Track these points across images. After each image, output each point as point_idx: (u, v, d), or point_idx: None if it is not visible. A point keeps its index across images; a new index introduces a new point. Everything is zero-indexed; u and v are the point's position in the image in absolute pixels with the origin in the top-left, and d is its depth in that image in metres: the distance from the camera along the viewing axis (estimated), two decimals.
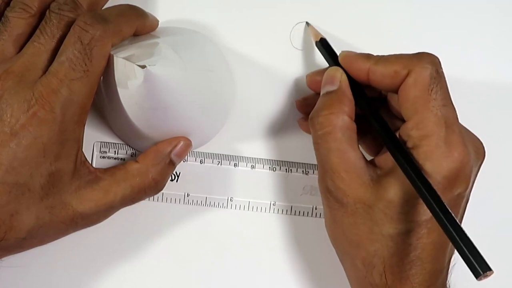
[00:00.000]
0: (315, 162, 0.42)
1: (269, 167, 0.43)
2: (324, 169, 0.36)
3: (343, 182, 0.35)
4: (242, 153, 0.42)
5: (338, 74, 0.37)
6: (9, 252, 0.36)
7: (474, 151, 0.36)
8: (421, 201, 0.33)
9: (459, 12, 0.43)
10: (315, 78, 0.40)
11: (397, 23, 0.43)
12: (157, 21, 0.40)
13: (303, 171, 0.42)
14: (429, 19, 0.43)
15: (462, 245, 0.31)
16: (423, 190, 0.32)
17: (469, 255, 0.30)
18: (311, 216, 0.42)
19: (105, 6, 0.38)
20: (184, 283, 0.42)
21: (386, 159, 0.36)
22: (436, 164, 0.34)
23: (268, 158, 0.42)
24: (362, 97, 0.37)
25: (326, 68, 0.39)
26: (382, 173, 0.36)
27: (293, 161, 0.42)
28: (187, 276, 0.42)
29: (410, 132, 0.35)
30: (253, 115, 0.42)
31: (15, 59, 0.35)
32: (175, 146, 0.39)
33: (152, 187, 0.39)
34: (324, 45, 0.40)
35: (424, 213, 0.34)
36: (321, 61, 0.42)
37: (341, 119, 0.35)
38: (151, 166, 0.39)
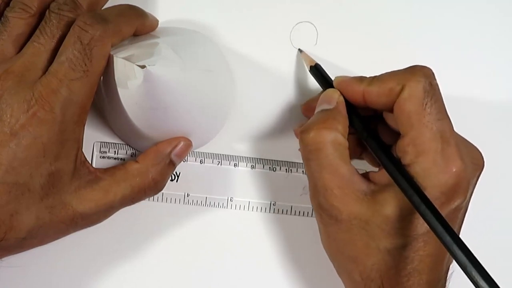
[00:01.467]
0: None
1: (269, 167, 0.43)
2: (315, 186, 0.35)
3: (337, 199, 0.35)
4: (242, 153, 0.42)
5: (336, 95, 0.37)
6: (9, 252, 0.36)
7: (472, 162, 0.36)
8: (417, 215, 0.33)
9: (459, 12, 0.43)
10: (310, 105, 0.40)
11: (397, 23, 0.43)
12: (157, 21, 0.40)
13: (303, 171, 0.42)
14: (429, 19, 0.43)
15: (471, 266, 0.30)
16: (423, 209, 0.32)
17: (475, 275, 0.30)
18: (311, 216, 0.42)
19: (105, 6, 0.38)
20: (184, 283, 0.42)
21: (381, 175, 0.35)
22: (433, 180, 0.34)
23: (268, 158, 0.42)
24: (357, 117, 0.37)
25: (321, 93, 0.38)
26: (377, 189, 0.35)
27: (293, 161, 0.43)
28: (187, 276, 0.42)
29: (406, 148, 0.34)
30: (253, 115, 0.42)
31: (15, 59, 0.35)
32: (175, 146, 0.39)
33: (152, 187, 0.39)
34: (317, 71, 0.40)
35: (421, 227, 0.34)
36: (321, 61, 0.42)
37: (333, 134, 0.35)
38: (151, 166, 0.39)
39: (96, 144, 0.42)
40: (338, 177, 0.35)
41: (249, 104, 0.42)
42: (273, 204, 0.43)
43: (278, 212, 0.42)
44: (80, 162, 0.36)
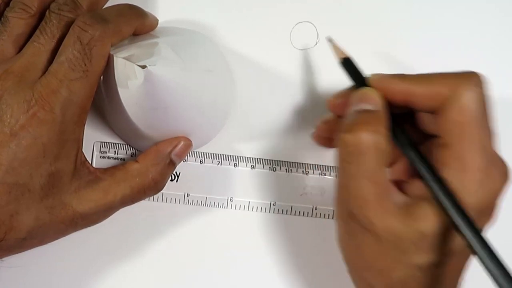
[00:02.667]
0: (315, 162, 0.42)
1: (269, 167, 0.42)
2: (348, 192, 0.33)
3: (372, 211, 0.32)
4: (242, 153, 0.42)
5: (376, 97, 0.34)
6: (9, 252, 0.36)
7: (504, 179, 0.34)
8: (453, 232, 0.32)
9: (459, 12, 0.43)
10: (337, 101, 0.37)
11: (397, 23, 0.43)
12: (157, 20, 0.40)
13: (303, 171, 0.42)
14: (429, 19, 0.43)
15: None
16: (464, 226, 0.31)
17: None
18: (311, 216, 0.42)
19: (105, 6, 0.38)
20: (184, 283, 0.42)
21: (416, 187, 0.34)
22: (472, 198, 0.32)
23: (268, 158, 0.42)
24: (397, 124, 0.34)
25: (349, 89, 0.36)
26: (411, 202, 0.33)
27: (293, 161, 0.42)
28: (187, 276, 0.42)
29: (448, 159, 0.32)
30: (253, 115, 0.42)
31: (14, 59, 0.35)
32: (176, 146, 0.39)
33: (152, 187, 0.39)
34: (349, 65, 0.37)
35: (456, 245, 0.32)
36: (321, 61, 0.42)
37: (377, 138, 0.32)
38: (151, 166, 0.39)
39: (96, 144, 0.42)
40: (377, 187, 0.32)
41: (249, 104, 0.42)
42: (273, 204, 0.43)
43: (278, 212, 0.42)
44: (80, 162, 0.36)
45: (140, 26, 0.38)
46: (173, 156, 0.39)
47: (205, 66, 0.39)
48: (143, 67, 0.35)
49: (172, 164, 0.39)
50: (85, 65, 0.34)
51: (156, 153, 0.39)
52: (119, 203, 0.38)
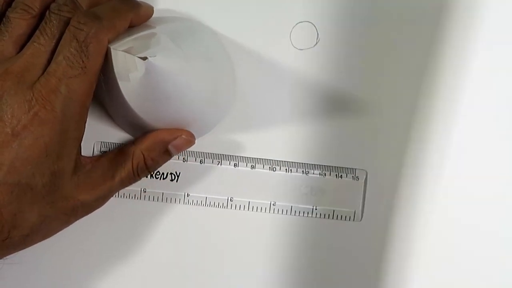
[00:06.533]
0: (315, 162, 0.42)
1: (269, 167, 0.43)
2: None
3: None
4: (242, 153, 0.42)
5: None
6: (13, 250, 0.36)
7: None
8: None
9: (460, 11, 0.43)
10: None
11: (397, 23, 0.43)
12: (152, 8, 0.39)
13: (303, 171, 0.42)
14: (430, 19, 0.43)
15: None
16: None
17: None
18: (311, 216, 0.42)
19: None
20: (184, 283, 0.42)
21: None
22: None
23: (268, 158, 0.43)
24: None
25: None
26: None
27: (293, 161, 0.43)
28: (186, 276, 0.42)
29: None
30: (253, 115, 0.42)
31: (14, 59, 0.35)
32: (176, 137, 0.39)
33: (144, 170, 0.39)
34: None
35: None
36: (321, 61, 0.42)
37: None
38: (145, 150, 0.39)
39: (97, 144, 0.42)
40: None
41: (249, 105, 0.42)
42: (273, 204, 0.43)
43: (278, 212, 0.42)
44: (79, 158, 0.37)
45: (135, 17, 0.38)
46: (170, 146, 0.39)
47: (204, 54, 0.39)
48: (144, 58, 0.35)
49: (167, 153, 0.39)
50: (82, 62, 0.34)
51: (154, 139, 0.39)
52: (118, 185, 0.39)
